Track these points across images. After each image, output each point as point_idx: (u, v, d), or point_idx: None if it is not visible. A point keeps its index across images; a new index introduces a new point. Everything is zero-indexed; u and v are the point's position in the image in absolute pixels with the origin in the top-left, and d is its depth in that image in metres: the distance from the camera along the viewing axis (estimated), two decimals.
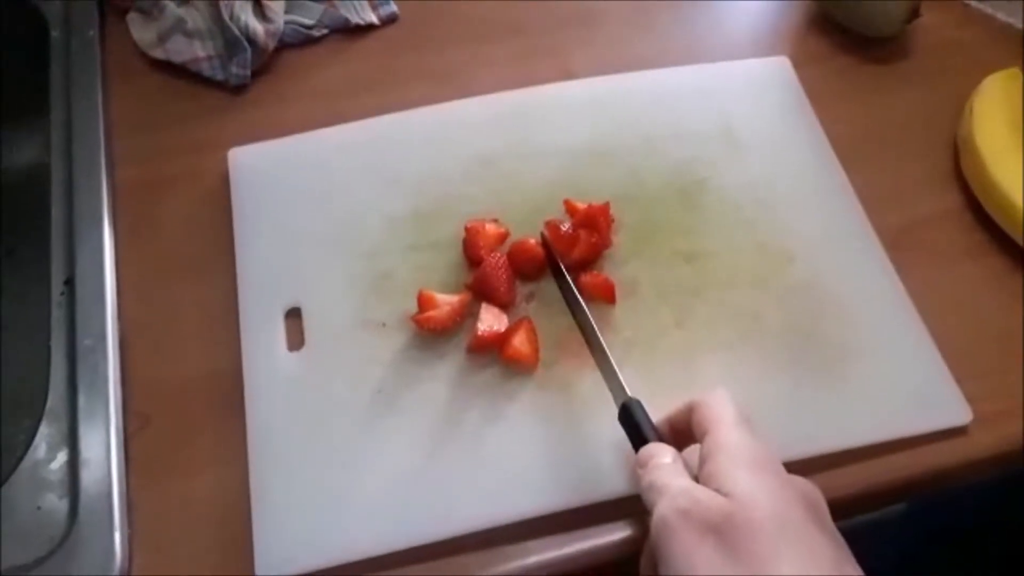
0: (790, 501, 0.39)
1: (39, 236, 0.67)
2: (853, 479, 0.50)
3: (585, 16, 0.69)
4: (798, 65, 0.65)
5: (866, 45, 0.67)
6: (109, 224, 0.58)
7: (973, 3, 0.69)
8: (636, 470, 0.44)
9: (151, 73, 0.65)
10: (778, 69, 0.65)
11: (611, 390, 0.49)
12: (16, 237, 0.69)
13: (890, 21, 0.65)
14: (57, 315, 0.55)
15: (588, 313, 0.51)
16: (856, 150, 0.61)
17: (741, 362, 0.52)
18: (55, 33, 0.67)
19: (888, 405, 0.51)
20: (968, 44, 0.68)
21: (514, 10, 0.69)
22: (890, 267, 0.56)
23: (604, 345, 0.49)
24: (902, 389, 0.52)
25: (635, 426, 0.46)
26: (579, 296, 0.52)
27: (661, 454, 0.43)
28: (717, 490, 0.40)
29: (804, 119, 0.62)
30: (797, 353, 0.53)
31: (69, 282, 0.56)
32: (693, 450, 0.44)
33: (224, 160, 0.60)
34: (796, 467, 0.47)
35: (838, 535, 0.40)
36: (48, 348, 0.54)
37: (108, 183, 0.59)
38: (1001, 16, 0.68)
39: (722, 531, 0.38)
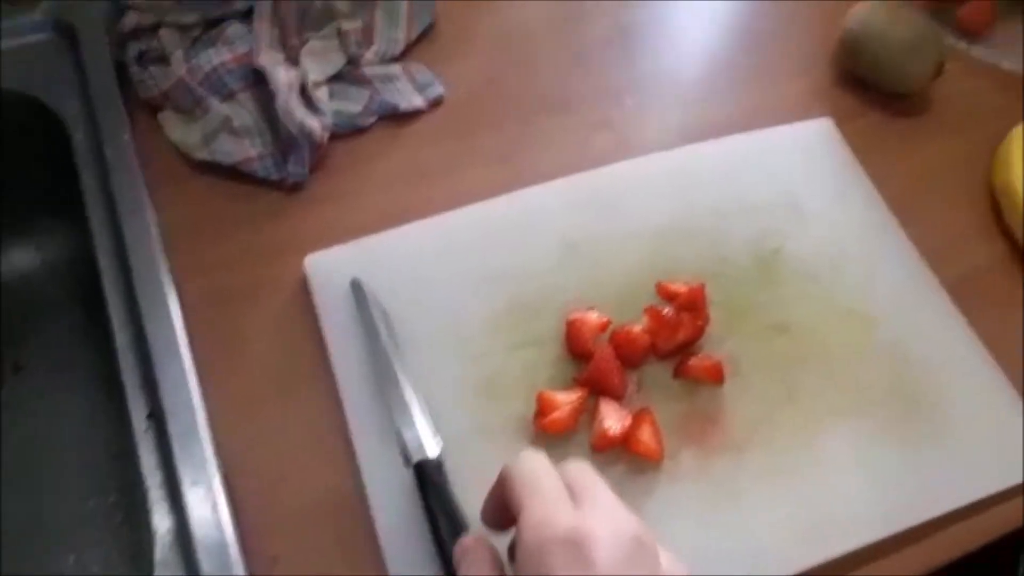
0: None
1: (86, 352, 0.63)
2: (963, 537, 0.52)
3: (631, 87, 0.69)
4: (837, 123, 0.67)
5: (894, 100, 0.70)
6: (187, 346, 0.54)
7: (979, 55, 0.73)
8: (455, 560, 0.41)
9: (196, 176, 0.61)
10: (823, 130, 0.67)
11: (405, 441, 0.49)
12: (59, 353, 0.65)
13: (917, 78, 0.68)
14: (144, 454, 0.51)
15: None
16: (904, 204, 0.64)
17: (856, 432, 0.54)
18: (78, 136, 0.63)
19: (983, 460, 0.54)
20: (984, 93, 0.72)
21: (561, 83, 0.69)
22: (962, 320, 0.59)
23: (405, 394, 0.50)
24: (995, 442, 0.55)
25: (445, 501, 0.45)
26: None
27: (477, 556, 0.40)
28: None
29: (856, 177, 0.65)
30: (899, 417, 0.55)
31: (153, 415, 0.52)
32: None
33: (296, 266, 0.57)
34: (911, 535, 0.51)
35: None
36: (143, 491, 0.50)
37: (176, 300, 0.56)
38: (1006, 65, 0.73)
39: None
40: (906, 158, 0.67)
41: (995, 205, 0.66)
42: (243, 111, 0.61)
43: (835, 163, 0.65)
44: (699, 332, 0.55)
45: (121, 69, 0.63)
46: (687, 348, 0.56)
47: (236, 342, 0.55)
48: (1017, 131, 0.66)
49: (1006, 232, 0.64)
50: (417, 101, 0.65)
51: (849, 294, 0.59)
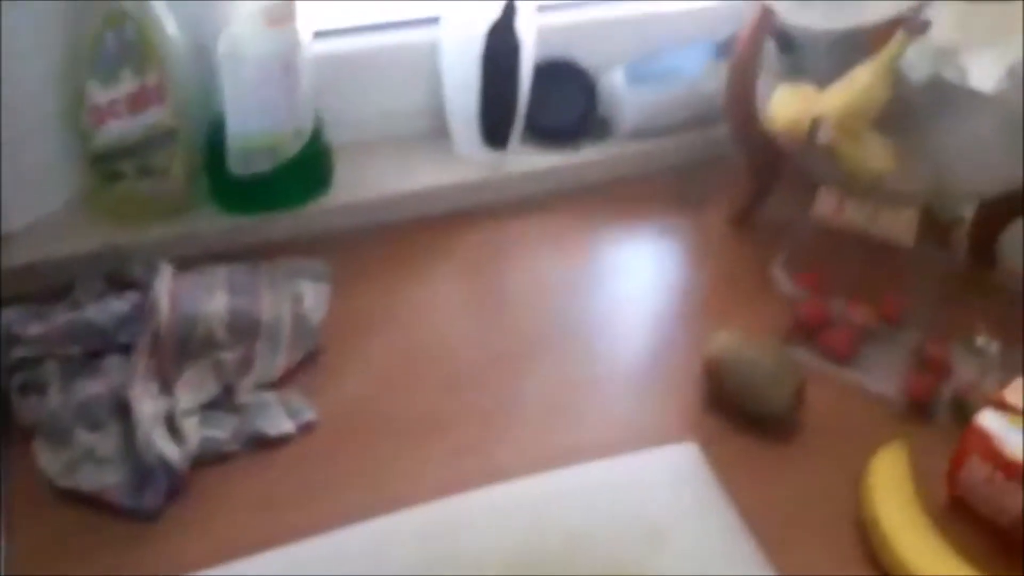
0: None
1: None
2: None
3: (501, 410, 0.72)
4: (703, 447, 0.69)
5: (761, 422, 0.72)
6: None
7: (846, 378, 0.76)
8: None
9: (59, 504, 0.62)
10: (688, 455, 0.68)
11: None
12: None
13: (777, 404, 0.71)
14: None
15: None
16: (770, 533, 0.63)
17: None
18: None
19: None
20: (852, 416, 0.73)
21: (434, 406, 0.71)
22: None
23: None
24: None
25: None
26: None
27: None
28: None
29: (720, 506, 0.65)
30: None
31: None
32: None
33: None
34: None
35: None
36: None
37: None
38: (872, 387, 0.76)
39: None
40: (773, 485, 0.68)
41: (863, 534, 0.65)
42: (107, 441, 0.63)
43: (699, 490, 0.66)
44: None
45: (6, 398, 0.66)
46: None
47: None
48: (877, 459, 0.67)
49: (873, 562, 0.63)
50: (287, 427, 0.67)
51: None
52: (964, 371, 0.75)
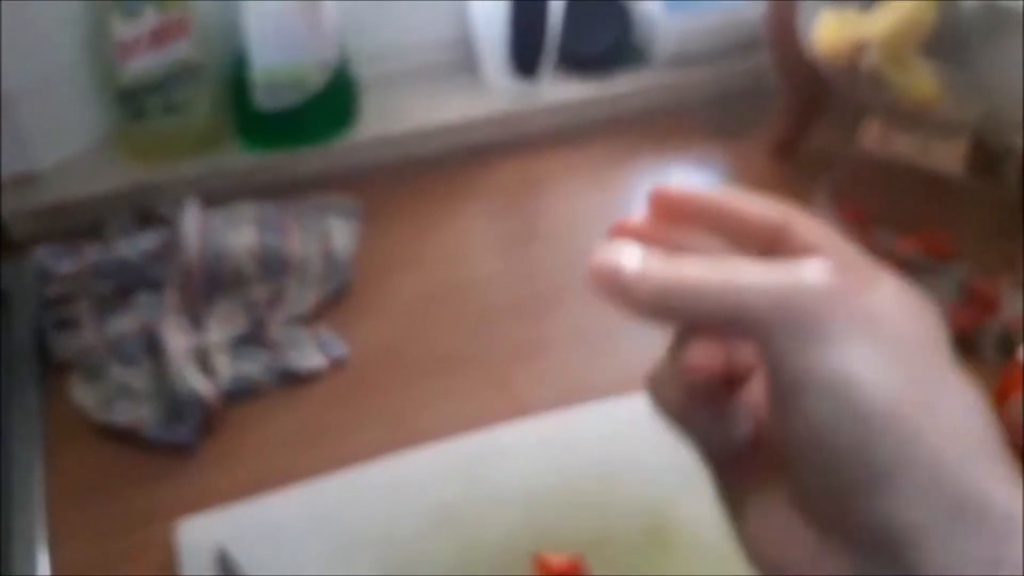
0: None
1: None
2: None
3: (531, 346, 0.71)
4: None
5: None
6: None
7: None
8: None
9: (95, 438, 0.63)
10: None
11: None
12: None
13: None
14: None
15: None
16: None
17: None
18: None
19: None
20: None
21: (463, 343, 0.71)
22: None
23: None
24: None
25: None
26: None
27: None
28: None
29: None
30: None
31: None
32: None
33: (173, 531, 0.57)
34: None
35: None
36: None
37: (48, 568, 0.56)
38: None
39: None
40: None
41: None
42: (141, 376, 0.63)
43: None
44: None
45: (42, 334, 0.67)
46: None
47: None
48: None
49: None
50: (319, 361, 0.67)
51: (745, 569, 0.57)
52: (1012, 306, 0.73)
